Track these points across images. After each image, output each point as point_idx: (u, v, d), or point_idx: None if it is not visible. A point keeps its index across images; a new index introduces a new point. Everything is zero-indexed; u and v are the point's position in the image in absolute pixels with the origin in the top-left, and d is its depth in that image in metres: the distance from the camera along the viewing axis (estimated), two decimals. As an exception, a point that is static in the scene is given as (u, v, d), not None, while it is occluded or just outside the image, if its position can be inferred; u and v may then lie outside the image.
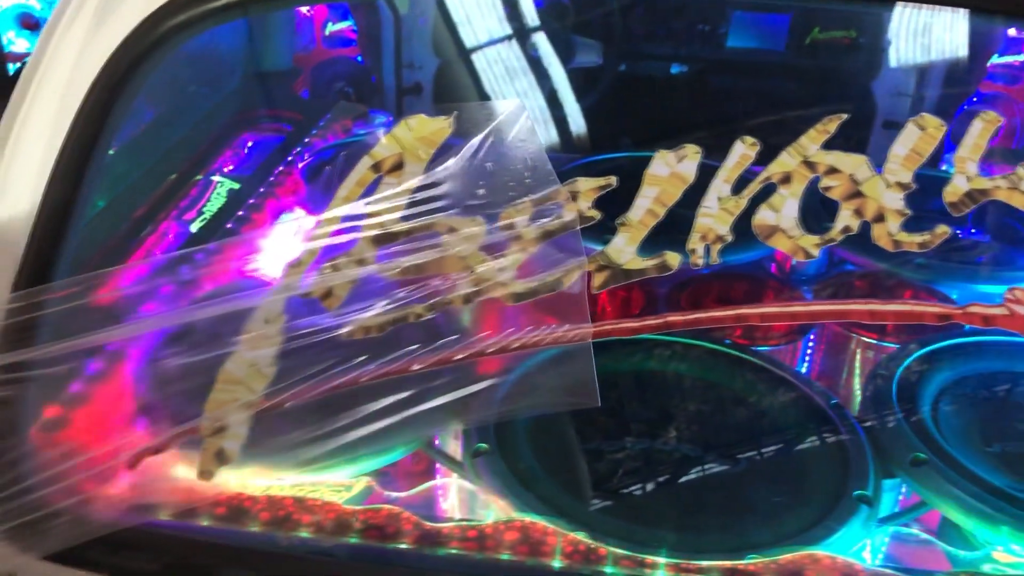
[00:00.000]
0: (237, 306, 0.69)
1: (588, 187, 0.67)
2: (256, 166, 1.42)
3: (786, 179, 0.67)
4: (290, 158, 1.40)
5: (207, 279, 0.72)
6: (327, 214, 0.71)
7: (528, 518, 0.77)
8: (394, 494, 0.84)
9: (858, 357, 1.16)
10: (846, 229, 0.66)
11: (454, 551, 0.73)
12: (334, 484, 0.83)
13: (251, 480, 0.77)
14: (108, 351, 0.80)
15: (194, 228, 1.26)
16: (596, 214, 0.67)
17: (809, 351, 1.21)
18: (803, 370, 1.17)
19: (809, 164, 0.67)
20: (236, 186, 1.35)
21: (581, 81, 1.70)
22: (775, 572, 0.73)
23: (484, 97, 1.70)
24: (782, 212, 0.66)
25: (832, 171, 0.67)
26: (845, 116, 0.70)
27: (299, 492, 0.81)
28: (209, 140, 1.47)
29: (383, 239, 0.69)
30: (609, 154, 1.51)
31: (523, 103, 0.73)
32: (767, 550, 0.76)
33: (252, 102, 1.61)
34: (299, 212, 1.25)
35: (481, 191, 0.69)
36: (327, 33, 2.17)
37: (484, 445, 0.86)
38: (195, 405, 0.68)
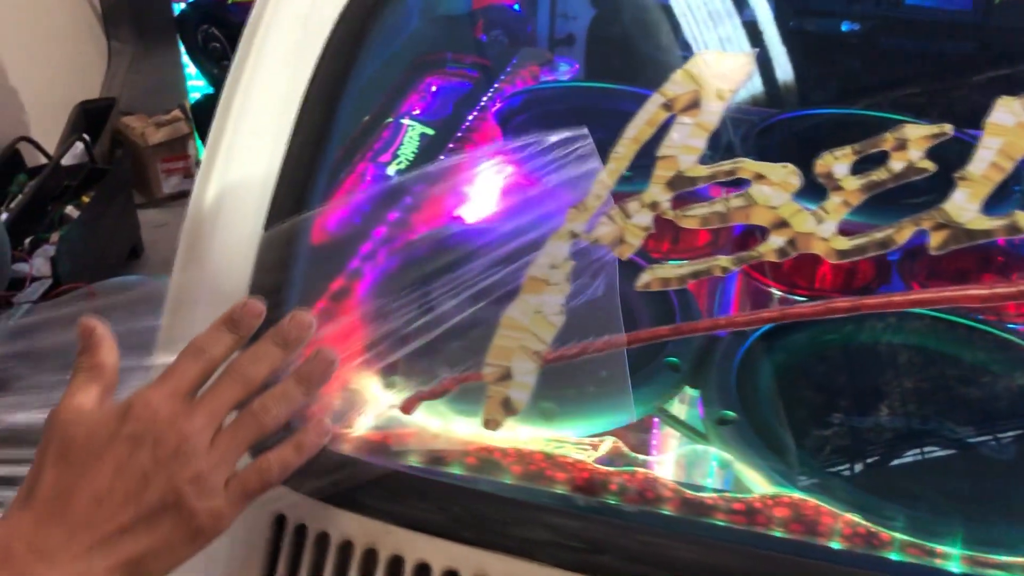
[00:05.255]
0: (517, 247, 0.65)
1: (919, 135, 0.60)
2: (447, 111, 1.38)
3: None
4: (482, 103, 1.36)
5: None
6: (613, 155, 0.66)
7: (796, 494, 0.72)
8: (641, 456, 0.80)
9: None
10: None
11: (721, 523, 0.69)
12: (578, 442, 0.80)
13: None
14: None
15: (391, 171, 1.23)
16: (929, 165, 0.60)
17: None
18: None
19: None
20: (429, 131, 1.32)
21: (762, 36, 1.60)
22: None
23: (635, 49, 1.63)
24: None
25: None
26: None
27: (546, 448, 0.77)
28: (394, 83, 1.44)
29: (679, 183, 0.64)
30: (810, 110, 1.43)
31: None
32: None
33: (433, 46, 1.57)
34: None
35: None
36: (487, -22, 2.12)
37: (730, 413, 0.81)
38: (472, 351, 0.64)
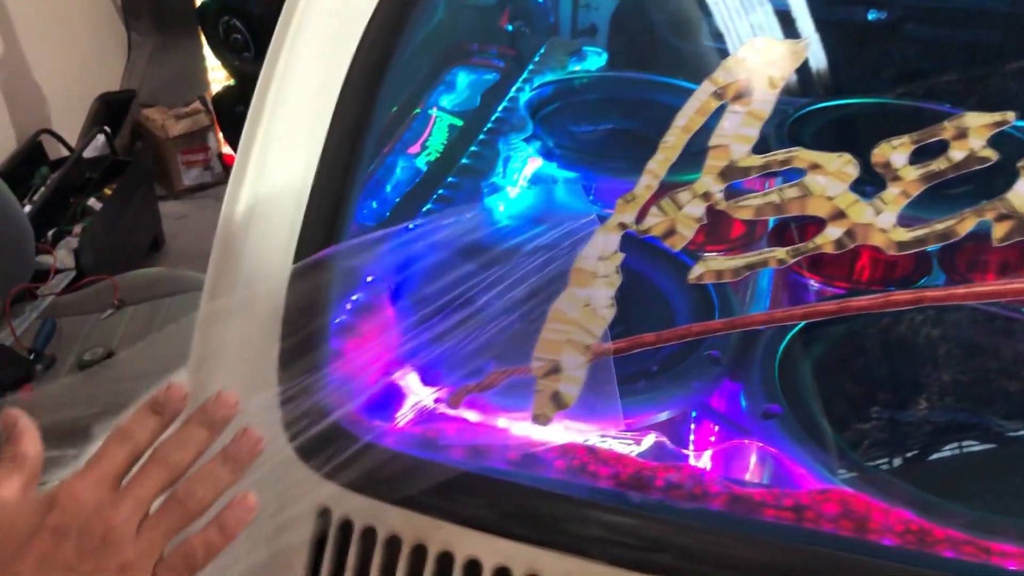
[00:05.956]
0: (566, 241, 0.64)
1: (980, 123, 0.59)
2: (475, 101, 1.37)
3: None
4: (512, 94, 1.35)
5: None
6: (663, 144, 0.65)
7: (845, 489, 0.70)
8: (684, 451, 0.79)
9: None
10: None
11: (777, 521, 0.67)
12: (620, 436, 0.79)
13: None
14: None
15: (421, 163, 1.22)
16: (991, 154, 0.58)
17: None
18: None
19: None
20: (457, 122, 1.31)
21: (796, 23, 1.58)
22: None
23: (662, 38, 1.60)
24: None
25: None
26: None
27: (588, 441, 0.76)
28: (422, 74, 1.42)
29: (732, 173, 0.62)
30: (844, 99, 1.40)
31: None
32: None
33: (459, 35, 1.56)
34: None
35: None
36: (507, -32, 2.10)
37: (775, 407, 0.80)
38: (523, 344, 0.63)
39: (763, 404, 0.80)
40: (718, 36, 1.42)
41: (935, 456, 0.75)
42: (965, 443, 0.76)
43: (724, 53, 1.33)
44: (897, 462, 0.75)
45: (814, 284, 1.02)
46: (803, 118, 1.33)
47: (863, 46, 1.52)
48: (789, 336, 0.88)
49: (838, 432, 0.78)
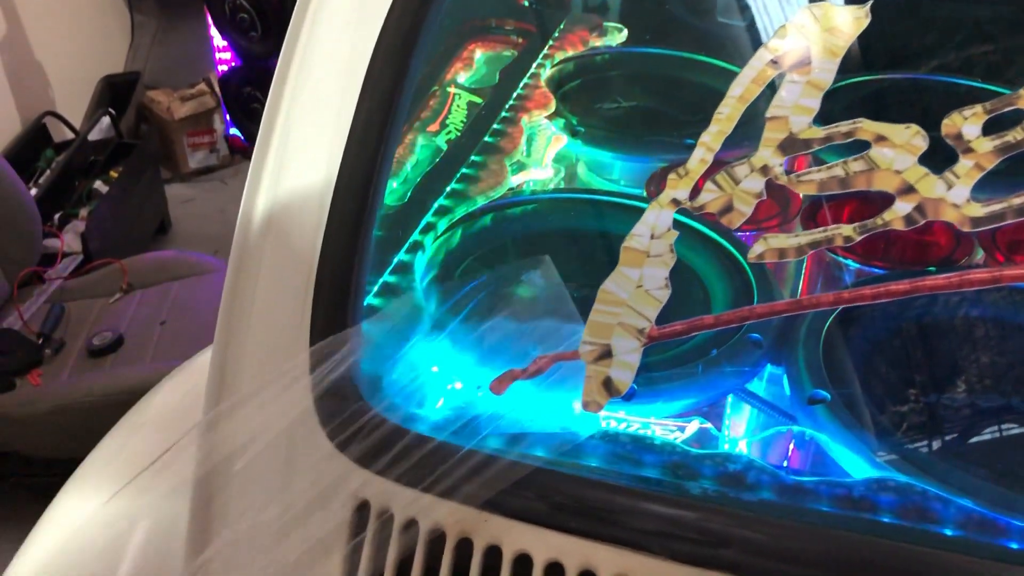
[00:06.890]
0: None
1: (1059, 92, 0.55)
2: (493, 78, 1.33)
3: None
4: (532, 70, 1.31)
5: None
6: (717, 116, 0.61)
7: (899, 478, 0.68)
8: (729, 438, 0.76)
9: None
10: None
11: (824, 509, 0.64)
12: (662, 423, 0.76)
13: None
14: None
15: (441, 141, 1.19)
16: (1072, 125, 0.55)
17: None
18: None
19: None
20: (477, 99, 1.27)
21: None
22: None
23: (677, 14, 1.56)
24: None
25: None
26: None
27: (630, 429, 0.74)
28: (437, 50, 1.39)
29: (792, 146, 0.59)
30: (871, 75, 1.37)
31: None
32: None
33: (475, 11, 1.52)
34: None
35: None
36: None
37: (822, 392, 0.76)
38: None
39: (808, 389, 0.77)
40: (744, 10, 1.38)
41: (997, 441, 0.72)
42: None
43: (753, 29, 1.29)
44: (955, 448, 0.72)
45: (851, 264, 0.98)
46: (835, 92, 1.29)
47: (894, 21, 1.48)
48: (831, 317, 0.85)
49: (888, 417, 0.75)
